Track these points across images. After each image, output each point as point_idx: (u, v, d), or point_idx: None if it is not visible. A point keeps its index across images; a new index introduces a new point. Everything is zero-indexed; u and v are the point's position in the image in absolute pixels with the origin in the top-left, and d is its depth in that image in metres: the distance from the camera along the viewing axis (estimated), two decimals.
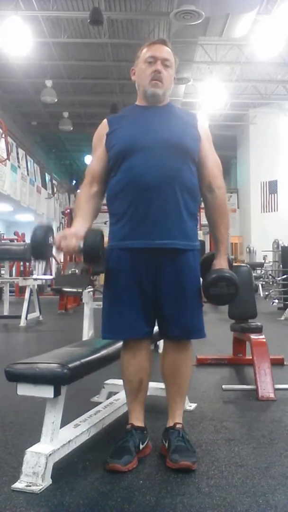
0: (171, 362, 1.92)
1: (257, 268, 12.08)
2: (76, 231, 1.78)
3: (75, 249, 1.74)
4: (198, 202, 1.92)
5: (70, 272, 8.04)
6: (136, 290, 1.82)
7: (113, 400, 2.31)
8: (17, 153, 12.80)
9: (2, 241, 10.95)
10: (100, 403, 2.33)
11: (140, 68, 1.92)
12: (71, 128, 16.33)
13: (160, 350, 2.42)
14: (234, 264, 2.65)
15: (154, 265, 1.81)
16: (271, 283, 10.63)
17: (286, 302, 8.05)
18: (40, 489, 1.57)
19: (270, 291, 8.99)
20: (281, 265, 8.76)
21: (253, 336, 3.12)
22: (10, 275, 8.04)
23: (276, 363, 3.35)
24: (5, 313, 6.87)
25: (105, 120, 1.98)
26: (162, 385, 2.06)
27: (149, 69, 1.88)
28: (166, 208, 1.79)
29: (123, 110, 2.15)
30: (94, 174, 1.93)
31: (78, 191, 1.99)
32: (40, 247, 1.77)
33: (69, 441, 1.77)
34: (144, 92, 1.91)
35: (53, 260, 14.29)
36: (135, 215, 1.80)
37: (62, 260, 12.23)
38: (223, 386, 2.90)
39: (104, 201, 1.99)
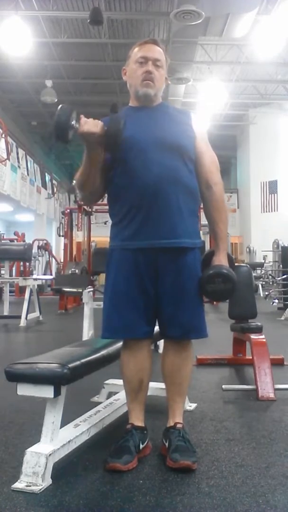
0: (171, 362, 1.92)
1: (257, 268, 12.09)
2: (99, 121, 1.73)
3: (98, 131, 1.68)
4: (197, 200, 1.92)
5: (70, 272, 8.07)
6: (137, 290, 1.82)
7: (113, 400, 2.31)
8: (17, 153, 12.80)
9: (2, 241, 10.95)
10: (100, 403, 2.33)
11: (131, 68, 1.93)
12: None
13: (160, 350, 2.42)
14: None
15: (156, 265, 1.81)
16: (271, 283, 10.63)
17: (286, 302, 8.05)
18: (40, 489, 1.57)
19: (270, 291, 9.00)
20: (281, 265, 8.76)
21: (253, 336, 3.12)
22: (10, 275, 8.05)
23: (276, 363, 3.35)
24: (5, 313, 6.87)
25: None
26: (162, 385, 2.05)
27: (140, 70, 1.89)
28: (167, 207, 1.79)
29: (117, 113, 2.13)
30: None
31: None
32: (62, 128, 1.67)
33: (69, 441, 1.77)
34: (136, 92, 1.92)
35: (53, 260, 14.31)
36: (137, 216, 1.80)
37: (62, 260, 12.24)
38: (223, 386, 2.90)
39: (105, 201, 1.99)
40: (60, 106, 1.72)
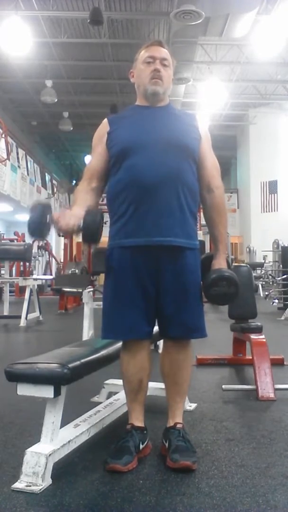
0: (171, 362, 1.92)
1: (257, 268, 12.08)
2: (74, 212, 1.78)
3: (74, 228, 1.72)
4: (197, 201, 1.92)
5: (70, 272, 8.07)
6: (137, 289, 1.82)
7: (113, 400, 2.31)
8: (17, 153, 12.80)
9: (2, 241, 10.94)
10: (100, 403, 2.33)
11: (139, 68, 1.94)
12: (71, 128, 16.35)
13: (160, 350, 2.42)
14: (234, 264, 2.65)
15: (156, 264, 1.81)
16: (271, 283, 10.63)
17: (286, 302, 8.05)
18: (40, 489, 1.57)
19: (270, 291, 8.99)
20: (281, 265, 8.76)
21: (253, 336, 3.12)
22: (10, 275, 8.04)
23: (276, 363, 3.35)
24: (5, 313, 6.86)
25: (105, 120, 1.99)
26: (162, 385, 2.05)
27: (148, 69, 1.90)
28: (168, 206, 1.79)
29: (123, 111, 2.16)
30: (93, 171, 1.94)
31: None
32: (38, 226, 1.72)
33: (69, 441, 1.77)
34: (145, 91, 1.92)
35: (53, 260, 14.31)
36: (137, 213, 1.80)
37: (62, 260, 12.24)
38: (223, 386, 2.90)
39: (104, 201, 1.99)
40: (32, 204, 1.77)
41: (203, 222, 1.98)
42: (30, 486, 1.58)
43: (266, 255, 13.05)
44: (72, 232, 1.74)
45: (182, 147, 1.84)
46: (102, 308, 1.92)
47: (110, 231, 1.91)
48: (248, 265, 4.03)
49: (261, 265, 12.53)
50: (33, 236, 1.77)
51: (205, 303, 1.94)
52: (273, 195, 16.67)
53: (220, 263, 1.91)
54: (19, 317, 6.29)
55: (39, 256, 13.58)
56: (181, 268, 1.83)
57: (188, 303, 1.84)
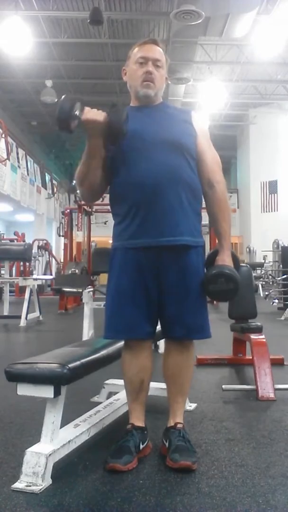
0: (173, 362, 1.92)
1: (257, 268, 12.09)
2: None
3: (102, 120, 1.71)
4: (200, 198, 1.91)
5: (70, 272, 8.07)
6: (140, 290, 1.82)
7: (113, 400, 2.31)
8: (17, 153, 12.80)
9: (2, 241, 10.95)
10: (100, 403, 2.33)
11: (131, 68, 1.93)
12: None
13: (160, 350, 2.42)
14: None
15: (159, 265, 1.81)
16: (271, 283, 10.63)
17: (286, 302, 8.05)
18: (40, 489, 1.57)
19: (270, 291, 8.99)
20: (281, 265, 8.76)
21: (253, 336, 3.12)
22: (10, 275, 8.04)
23: (276, 363, 3.35)
24: (5, 313, 6.87)
25: None
26: (162, 385, 2.06)
27: (140, 70, 1.89)
28: (169, 206, 1.79)
29: None
30: None
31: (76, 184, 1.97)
32: (67, 117, 1.70)
33: (69, 441, 1.77)
34: (136, 93, 1.92)
35: (53, 260, 14.31)
36: (139, 215, 1.80)
37: (62, 260, 12.25)
38: (223, 386, 2.90)
39: (107, 201, 1.99)
40: (63, 96, 1.75)
41: (203, 222, 1.96)
42: (30, 486, 1.58)
43: (266, 255, 13.05)
44: (98, 126, 1.72)
45: (178, 145, 1.83)
46: (105, 308, 1.92)
47: (113, 232, 1.91)
48: (248, 265, 4.03)
49: (261, 265, 12.53)
50: (61, 128, 1.74)
51: (208, 302, 1.93)
52: (273, 195, 16.67)
53: (223, 259, 1.89)
54: (19, 317, 6.29)
55: (39, 256, 13.59)
56: (184, 268, 1.82)
57: (191, 303, 1.84)
